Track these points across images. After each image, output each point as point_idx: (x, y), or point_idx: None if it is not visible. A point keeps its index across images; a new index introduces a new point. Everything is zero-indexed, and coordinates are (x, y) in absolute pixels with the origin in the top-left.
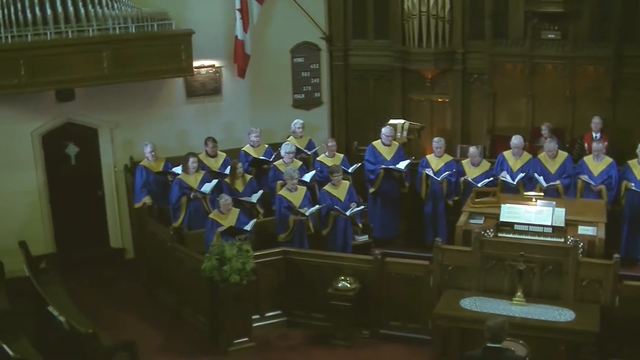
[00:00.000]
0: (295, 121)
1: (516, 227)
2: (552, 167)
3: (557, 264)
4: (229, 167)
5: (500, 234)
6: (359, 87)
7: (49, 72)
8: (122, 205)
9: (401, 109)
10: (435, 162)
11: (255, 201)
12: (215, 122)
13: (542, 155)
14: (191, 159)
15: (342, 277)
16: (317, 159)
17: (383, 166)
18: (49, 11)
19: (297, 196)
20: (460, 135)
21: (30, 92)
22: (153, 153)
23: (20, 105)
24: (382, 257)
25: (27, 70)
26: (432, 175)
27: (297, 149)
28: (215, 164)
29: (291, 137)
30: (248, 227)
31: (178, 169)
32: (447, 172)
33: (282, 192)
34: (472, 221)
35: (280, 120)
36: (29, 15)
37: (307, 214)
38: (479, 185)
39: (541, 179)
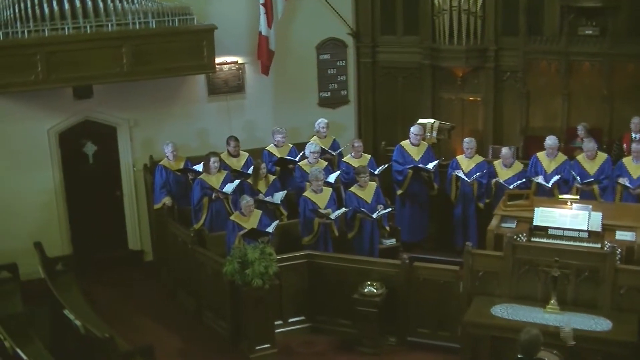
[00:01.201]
0: (319, 120)
1: (550, 231)
2: (591, 168)
3: (594, 270)
4: (252, 167)
5: (533, 239)
6: (387, 85)
7: (67, 69)
8: (141, 206)
9: (431, 108)
10: (466, 163)
11: (278, 202)
12: (237, 121)
13: (580, 157)
14: (212, 159)
15: (369, 282)
16: (343, 159)
17: (411, 166)
18: (66, 5)
19: (322, 198)
20: (492, 135)
21: (48, 88)
22: (175, 153)
23: (37, 102)
24: (410, 261)
25: (44, 67)
26: (462, 176)
27: (322, 149)
28: (237, 164)
29: (315, 137)
30: (270, 230)
31: (199, 167)
32: (478, 174)
33: (307, 194)
34: (504, 225)
35: (306, 119)
36: (46, 9)
37: (332, 217)
38: (512, 187)
39: (578, 177)
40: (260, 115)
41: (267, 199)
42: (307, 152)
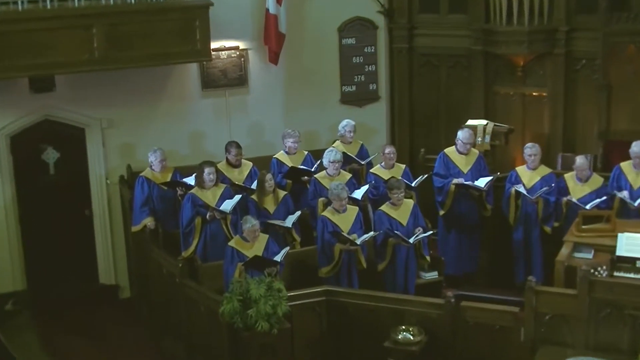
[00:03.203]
0: (345, 123)
1: (639, 263)
2: None
3: None
4: (257, 179)
5: (616, 273)
6: (428, 77)
7: (21, 55)
8: (116, 229)
9: (483, 105)
10: (529, 175)
11: (290, 225)
12: (239, 122)
13: None
14: (207, 169)
15: (404, 327)
16: (372, 170)
17: (455, 181)
18: None
19: (345, 219)
20: (562, 140)
21: None
22: (163, 162)
23: None
24: (457, 300)
25: None
26: (524, 192)
27: (346, 157)
28: (239, 176)
29: (338, 142)
30: (279, 258)
31: (190, 180)
32: (545, 189)
33: (327, 214)
34: (577, 255)
35: (324, 120)
36: None
37: (358, 242)
38: (588, 207)
39: None
40: (268, 115)
41: (277, 221)
42: (325, 161)
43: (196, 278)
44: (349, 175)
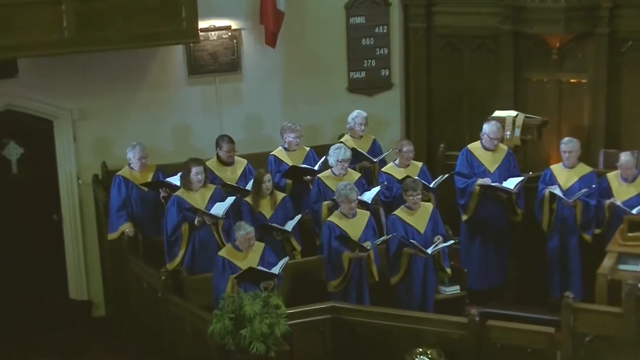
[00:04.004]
0: (356, 113)
1: None
2: None
3: None
4: (254, 179)
5: None
6: (449, 62)
7: None
8: (88, 237)
9: (513, 94)
10: (565, 175)
11: (290, 230)
12: (231, 113)
13: None
14: (195, 168)
15: (421, 349)
16: (384, 169)
17: (480, 181)
18: None
19: (355, 225)
20: (604, 134)
21: None
22: (143, 160)
23: None
24: (482, 319)
25: None
26: (559, 195)
27: (356, 153)
28: (231, 175)
29: (347, 137)
30: (277, 270)
31: (176, 180)
32: (584, 191)
33: (334, 219)
34: (623, 267)
35: (329, 112)
36: None
37: (369, 247)
38: (634, 211)
39: None
40: (265, 105)
41: (275, 226)
42: (332, 159)
43: (182, 293)
44: (357, 175)
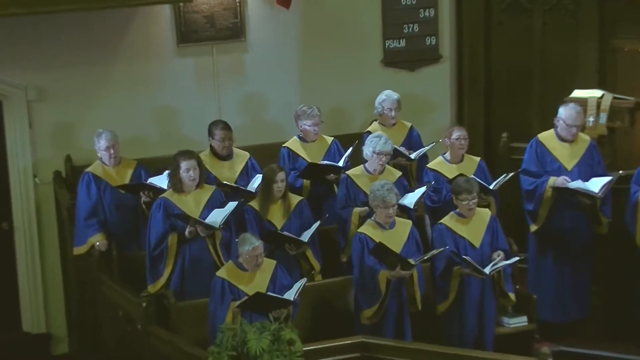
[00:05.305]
0: (384, 95)
1: None
2: None
3: None
4: (262, 178)
5: None
6: (514, 28)
7: None
8: (48, 251)
9: (596, 69)
10: None
11: (305, 241)
12: (232, 93)
13: None
14: (186, 163)
15: None
16: (430, 165)
17: (554, 182)
18: None
19: (394, 237)
20: None
21: None
22: (112, 151)
23: None
24: (556, 359)
25: None
26: None
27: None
28: (228, 172)
29: (375, 125)
30: (292, 296)
31: (160, 180)
32: None
33: (366, 230)
34: None
35: (359, 91)
36: None
37: (414, 262)
38: None
39: None
40: (275, 83)
41: (288, 235)
42: (368, 149)
43: (168, 324)
44: (398, 173)
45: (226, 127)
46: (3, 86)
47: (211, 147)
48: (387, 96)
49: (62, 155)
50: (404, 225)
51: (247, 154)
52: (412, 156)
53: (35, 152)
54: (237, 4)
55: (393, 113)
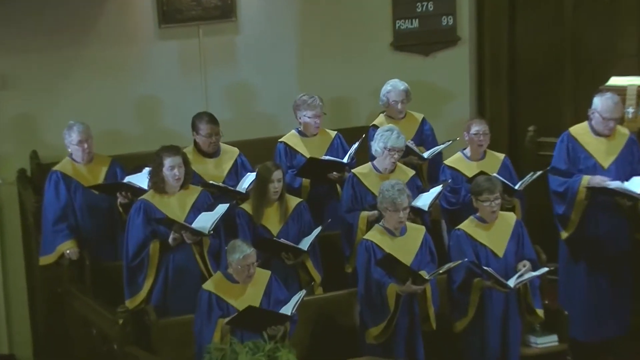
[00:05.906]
0: (390, 85)
1: None
2: None
3: None
4: (256, 177)
5: None
6: (542, 7)
7: None
8: (10, 260)
9: (637, 52)
10: None
11: (305, 249)
12: (221, 81)
13: None
14: (169, 160)
15: None
16: (447, 162)
17: (589, 181)
18: None
19: (404, 245)
20: None
21: None
22: (85, 145)
23: None
24: None
25: None
26: None
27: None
28: (215, 170)
29: (381, 117)
30: (290, 310)
31: (139, 178)
32: None
33: (374, 237)
34: None
35: (366, 78)
36: None
37: (427, 276)
38: None
39: None
40: (270, 69)
41: (285, 242)
42: (378, 144)
43: (148, 343)
44: (411, 172)
45: (212, 120)
46: None
47: (195, 143)
48: (392, 87)
49: (27, 151)
50: (417, 232)
51: (236, 150)
52: (425, 155)
53: None
54: None
55: (400, 106)
